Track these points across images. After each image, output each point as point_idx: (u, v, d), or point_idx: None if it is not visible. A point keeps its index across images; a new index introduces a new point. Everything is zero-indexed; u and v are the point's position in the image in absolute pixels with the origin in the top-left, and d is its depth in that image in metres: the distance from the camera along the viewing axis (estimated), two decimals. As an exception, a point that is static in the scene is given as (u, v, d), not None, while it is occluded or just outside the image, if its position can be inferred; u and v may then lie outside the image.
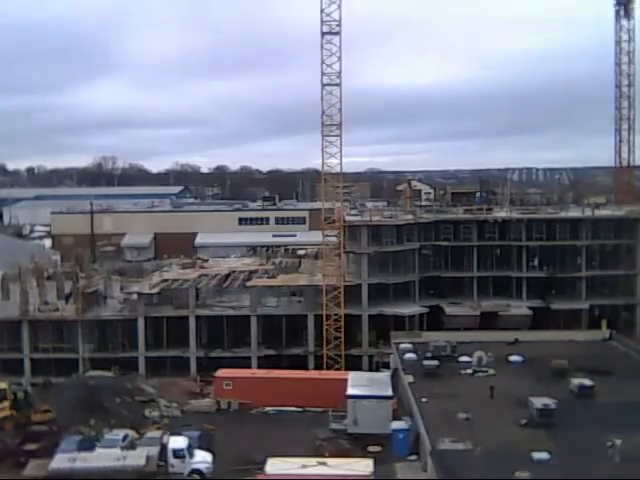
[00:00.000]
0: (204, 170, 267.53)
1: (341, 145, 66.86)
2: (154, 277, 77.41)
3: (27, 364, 68.23)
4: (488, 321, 68.74)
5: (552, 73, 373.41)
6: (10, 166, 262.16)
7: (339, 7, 65.65)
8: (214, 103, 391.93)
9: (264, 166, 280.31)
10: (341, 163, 67.21)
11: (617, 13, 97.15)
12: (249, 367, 66.41)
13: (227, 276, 77.15)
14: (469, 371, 53.41)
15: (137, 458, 43.87)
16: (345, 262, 71.72)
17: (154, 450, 44.87)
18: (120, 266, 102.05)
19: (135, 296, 71.42)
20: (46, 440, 47.96)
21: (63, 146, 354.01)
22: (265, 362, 67.26)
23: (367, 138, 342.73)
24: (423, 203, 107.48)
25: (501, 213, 77.89)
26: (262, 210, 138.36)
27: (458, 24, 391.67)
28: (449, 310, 70.64)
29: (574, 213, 77.81)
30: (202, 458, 44.99)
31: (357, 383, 53.26)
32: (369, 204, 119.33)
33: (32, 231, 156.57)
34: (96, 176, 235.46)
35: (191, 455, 44.66)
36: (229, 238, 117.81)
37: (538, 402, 42.42)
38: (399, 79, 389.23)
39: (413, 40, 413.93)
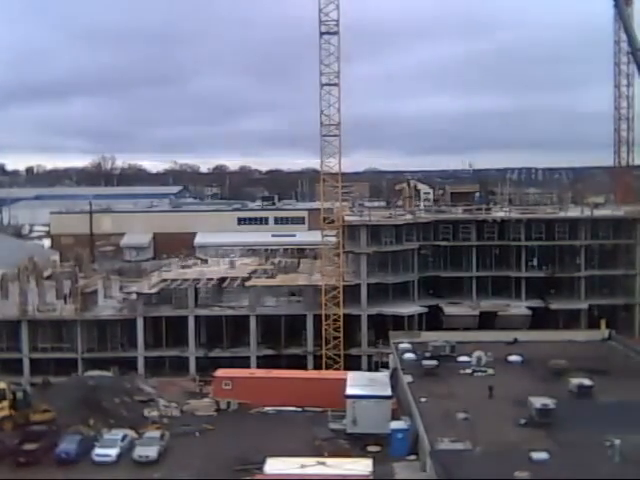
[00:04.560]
0: (203, 170, 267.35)
1: (340, 145, 66.99)
2: (153, 277, 77.36)
3: (26, 364, 68.30)
4: (487, 321, 68.82)
5: (551, 72, 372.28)
6: (10, 166, 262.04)
7: (337, 7, 65.73)
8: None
9: (263, 166, 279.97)
10: (340, 163, 67.35)
11: (616, 13, 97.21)
12: (248, 367, 66.45)
13: (224, 278, 76.81)
14: (468, 371, 53.32)
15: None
16: (344, 262, 71.72)
17: None
18: (119, 266, 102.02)
19: (134, 296, 71.42)
20: (45, 440, 47.95)
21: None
22: (264, 362, 67.30)
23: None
24: (422, 203, 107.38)
25: (500, 213, 77.98)
26: (261, 210, 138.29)
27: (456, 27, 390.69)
28: (448, 310, 70.70)
29: (573, 213, 77.88)
30: None
31: (356, 383, 53.23)
32: (368, 204, 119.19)
33: (31, 231, 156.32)
34: (95, 176, 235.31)
35: None
36: (228, 238, 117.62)
37: (537, 402, 42.37)
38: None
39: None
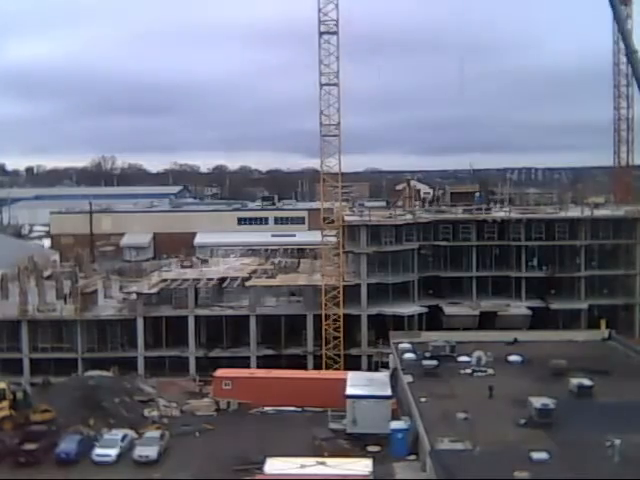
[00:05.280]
0: (203, 170, 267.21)
1: (340, 145, 66.97)
2: (153, 277, 77.34)
3: (26, 364, 68.23)
4: (487, 321, 68.83)
5: (550, 73, 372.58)
6: (9, 166, 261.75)
7: (336, 7, 65.69)
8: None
9: (263, 166, 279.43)
10: (339, 163, 67.32)
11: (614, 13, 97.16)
12: (248, 367, 66.45)
13: (224, 278, 76.78)
14: (468, 371, 53.31)
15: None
16: (344, 262, 71.72)
17: None
18: (119, 266, 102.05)
19: (134, 296, 71.41)
20: (45, 440, 47.99)
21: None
22: (264, 362, 67.29)
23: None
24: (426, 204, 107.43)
25: (500, 213, 77.97)
26: (261, 210, 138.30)
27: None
28: (448, 310, 70.69)
29: (573, 213, 77.80)
30: None
31: (356, 383, 53.25)
32: (367, 204, 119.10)
33: (31, 231, 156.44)
34: (95, 176, 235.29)
35: None
36: (228, 238, 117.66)
37: (537, 402, 42.38)
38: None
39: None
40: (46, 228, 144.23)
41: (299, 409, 56.65)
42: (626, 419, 41.02)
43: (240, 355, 68.20)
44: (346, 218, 73.10)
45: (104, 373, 62.93)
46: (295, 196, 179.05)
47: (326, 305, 67.32)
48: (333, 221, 69.45)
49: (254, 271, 78.96)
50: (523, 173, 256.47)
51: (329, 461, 40.17)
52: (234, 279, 74.37)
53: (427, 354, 56.39)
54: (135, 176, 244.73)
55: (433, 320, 70.15)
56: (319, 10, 65.85)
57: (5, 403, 53.88)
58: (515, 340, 61.26)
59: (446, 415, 43.39)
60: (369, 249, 71.52)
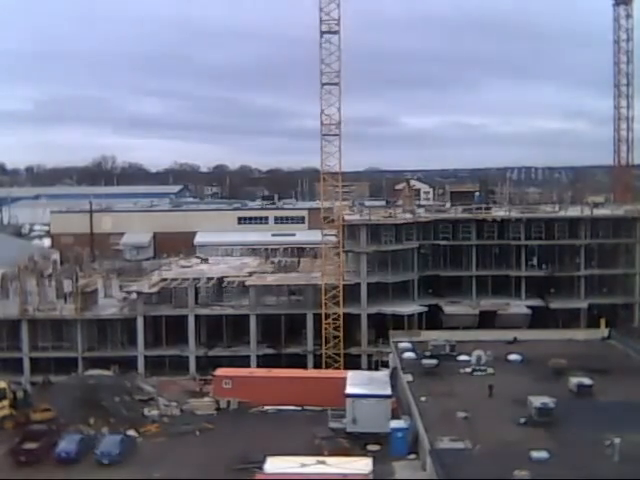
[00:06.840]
0: (203, 169, 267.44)
1: (340, 144, 66.98)
2: (153, 276, 77.32)
3: (26, 363, 68.19)
4: (487, 320, 68.84)
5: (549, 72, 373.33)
6: (10, 165, 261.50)
7: (338, 6, 65.68)
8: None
9: (263, 165, 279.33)
10: (340, 162, 67.31)
11: (615, 13, 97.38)
12: (248, 366, 66.45)
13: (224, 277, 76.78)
14: (468, 370, 53.37)
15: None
16: (344, 261, 71.73)
17: None
18: (119, 265, 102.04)
19: (134, 295, 71.42)
20: (46, 439, 48.02)
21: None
22: (264, 361, 67.31)
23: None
24: (422, 202, 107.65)
25: (500, 212, 78.00)
26: (261, 209, 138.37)
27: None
28: (448, 309, 70.73)
29: (573, 212, 77.89)
30: None
31: (356, 382, 53.24)
32: (367, 203, 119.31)
33: (31, 230, 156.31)
34: (95, 175, 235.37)
35: None
36: (228, 237, 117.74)
37: (537, 401, 42.43)
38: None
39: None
40: (46, 227, 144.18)
41: (299, 408, 56.64)
42: (626, 418, 41.09)
43: (240, 354, 68.21)
44: (346, 217, 73.09)
45: (104, 372, 62.91)
46: (295, 195, 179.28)
47: (326, 304, 67.33)
48: (333, 220, 69.47)
49: (254, 270, 78.95)
50: (523, 172, 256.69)
51: (329, 460, 40.10)
52: (234, 278, 74.38)
53: (427, 353, 56.45)
54: (135, 175, 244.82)
55: (433, 319, 70.16)
56: (320, 9, 65.82)
57: (5, 402, 53.97)
58: (515, 339, 61.33)
59: (446, 414, 43.43)
60: (369, 248, 71.56)
